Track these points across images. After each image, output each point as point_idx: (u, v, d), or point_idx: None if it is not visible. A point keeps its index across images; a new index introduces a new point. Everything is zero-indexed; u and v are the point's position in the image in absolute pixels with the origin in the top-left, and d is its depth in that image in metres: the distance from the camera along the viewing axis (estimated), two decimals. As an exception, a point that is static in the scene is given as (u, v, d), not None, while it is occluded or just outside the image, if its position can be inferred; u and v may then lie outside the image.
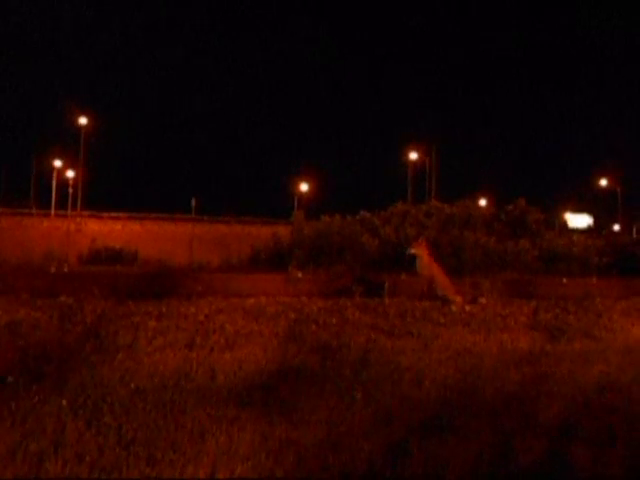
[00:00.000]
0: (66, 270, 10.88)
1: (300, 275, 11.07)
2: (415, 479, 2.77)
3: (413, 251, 9.63)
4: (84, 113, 42.08)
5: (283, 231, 16.98)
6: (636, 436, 3.36)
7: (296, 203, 44.43)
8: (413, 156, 44.00)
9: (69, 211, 39.49)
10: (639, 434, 3.40)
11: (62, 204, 41.80)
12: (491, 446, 3.13)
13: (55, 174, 43.52)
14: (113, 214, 40.31)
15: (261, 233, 22.28)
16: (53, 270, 10.22)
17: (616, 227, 44.55)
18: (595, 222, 51.68)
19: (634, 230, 33.04)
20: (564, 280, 12.34)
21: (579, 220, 52.24)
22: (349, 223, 15.63)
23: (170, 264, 14.97)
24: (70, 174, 43.95)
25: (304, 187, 48.52)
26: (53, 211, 41.06)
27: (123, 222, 39.56)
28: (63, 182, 43.50)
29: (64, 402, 3.56)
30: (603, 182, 51.76)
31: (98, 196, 42.42)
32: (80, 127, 41.74)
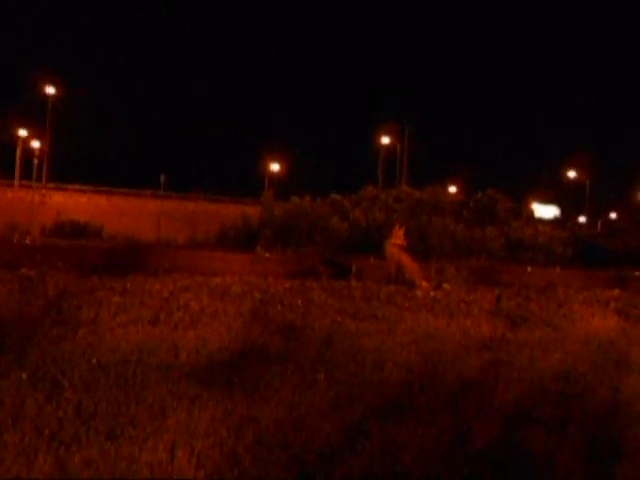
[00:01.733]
0: (29, 242, 10.67)
1: (267, 255, 11.07)
2: (373, 459, 2.80)
3: (397, 231, 9.74)
4: (52, 82, 40.95)
5: (252, 211, 16.92)
6: (589, 422, 3.46)
7: (266, 183, 44.26)
8: (385, 140, 44.11)
9: (34, 182, 38.57)
10: (592, 420, 3.50)
11: (27, 175, 40.79)
12: (449, 429, 3.19)
13: (20, 144, 42.32)
14: (79, 187, 39.53)
15: (230, 212, 22.15)
16: (15, 242, 10.00)
17: (582, 219, 45.40)
18: (562, 213, 52.56)
19: (599, 223, 33.75)
20: (528, 269, 12.57)
21: (546, 211, 53.06)
22: (319, 205, 15.65)
23: (136, 240, 14.83)
24: (36, 144, 42.84)
25: (275, 167, 48.30)
26: (17, 182, 40.05)
27: (89, 196, 38.88)
28: (28, 152, 42.37)
29: (24, 375, 3.52)
30: (572, 174, 52.62)
31: (64, 168, 41.49)
32: (47, 96, 40.65)
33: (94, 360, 3.94)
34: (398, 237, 9.69)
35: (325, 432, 3.05)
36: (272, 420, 3.17)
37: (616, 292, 10.12)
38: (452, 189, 37.10)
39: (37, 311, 5.35)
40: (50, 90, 40.74)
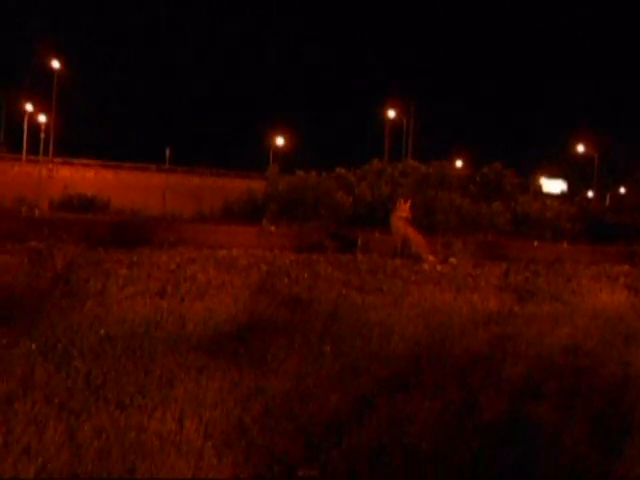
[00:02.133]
0: (37, 215, 10.70)
1: (273, 229, 11.05)
2: (380, 431, 2.81)
3: (402, 204, 9.67)
4: (57, 56, 40.67)
5: (257, 185, 16.87)
6: (598, 396, 3.46)
7: (271, 157, 44.06)
8: (391, 114, 43.68)
9: (41, 157, 38.58)
10: (600, 394, 3.49)
11: (34, 149, 40.78)
12: (456, 402, 3.20)
13: (26, 118, 42.23)
14: (85, 161, 39.54)
15: (235, 186, 22.12)
16: (24, 215, 10.03)
17: (590, 194, 45.03)
18: (569, 188, 52.07)
19: (607, 198, 33.40)
20: (535, 243, 12.50)
21: (554, 185, 52.65)
22: (324, 179, 15.56)
23: (143, 214, 14.85)
24: (42, 119, 42.71)
25: (280, 141, 48.02)
26: (24, 156, 40.08)
27: (96, 170, 38.88)
28: (35, 126, 42.30)
29: (33, 346, 3.55)
30: (580, 148, 51.97)
31: (71, 142, 41.48)
32: (53, 71, 40.39)
33: (102, 331, 3.96)
34: (403, 210, 9.62)
35: (332, 404, 3.07)
36: (279, 391, 3.18)
37: (625, 267, 10.03)
38: (458, 163, 36.89)
39: (46, 283, 5.36)
40: (55, 64, 40.47)
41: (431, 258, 9.19)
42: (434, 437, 2.80)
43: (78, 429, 2.58)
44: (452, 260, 9.38)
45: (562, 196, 38.05)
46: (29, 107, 42.94)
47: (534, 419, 3.09)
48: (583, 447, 2.82)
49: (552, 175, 55.21)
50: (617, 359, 4.29)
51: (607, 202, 30.00)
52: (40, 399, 2.84)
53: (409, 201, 9.91)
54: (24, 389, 2.94)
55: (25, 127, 41.66)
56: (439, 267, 8.55)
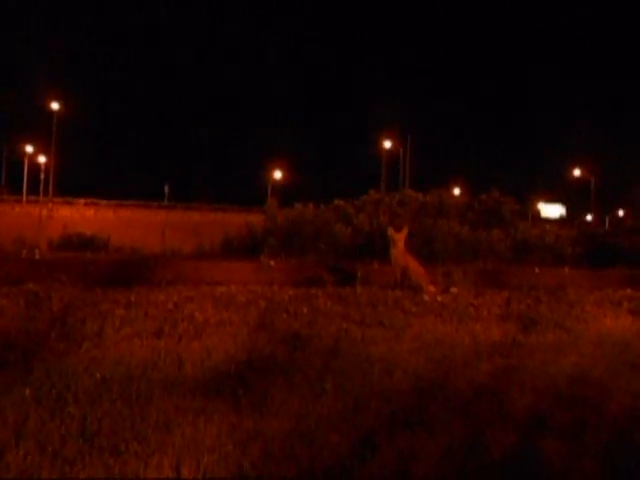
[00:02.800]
0: (37, 257, 10.68)
1: (272, 263, 11.01)
2: (383, 472, 2.74)
3: (393, 234, 9.54)
4: (56, 98, 41.35)
5: (256, 219, 16.90)
6: (606, 428, 3.37)
7: (269, 191, 44.39)
8: (387, 145, 44.12)
9: (41, 197, 38.92)
10: (610, 426, 3.41)
11: (34, 190, 41.17)
12: (461, 438, 3.12)
13: (27, 159, 42.76)
14: (85, 200, 39.84)
15: (234, 221, 22.18)
16: (24, 256, 10.01)
17: (589, 217, 45.11)
18: (568, 212, 52.23)
19: (607, 221, 33.40)
20: (536, 270, 12.43)
21: (552, 210, 52.85)
22: (322, 211, 15.60)
23: (142, 251, 14.81)
24: (42, 159, 43.23)
25: (277, 175, 48.42)
26: (25, 197, 40.41)
27: (95, 208, 39.16)
28: (35, 168, 42.81)
29: (28, 391, 3.49)
30: (577, 172, 52.27)
31: (70, 182, 41.95)
32: (52, 112, 41.01)
33: (98, 375, 3.90)
34: (399, 239, 9.51)
35: (333, 444, 3.00)
36: (279, 433, 3.11)
37: (628, 291, 9.93)
38: (456, 191, 37.03)
39: (42, 325, 5.31)
40: (54, 106, 41.11)
41: (431, 288, 9.12)
42: (440, 473, 2.74)
43: (72, 478, 2.50)
44: (453, 290, 9.30)
45: (561, 220, 38.15)
46: (29, 148, 43.49)
47: (541, 453, 3.01)
48: None
49: (550, 200, 55.46)
50: (625, 388, 4.19)
51: (607, 225, 30.02)
52: (33, 448, 2.77)
53: (405, 227, 9.83)
54: (17, 438, 2.87)
55: (25, 168, 42.11)
56: (440, 297, 8.47)
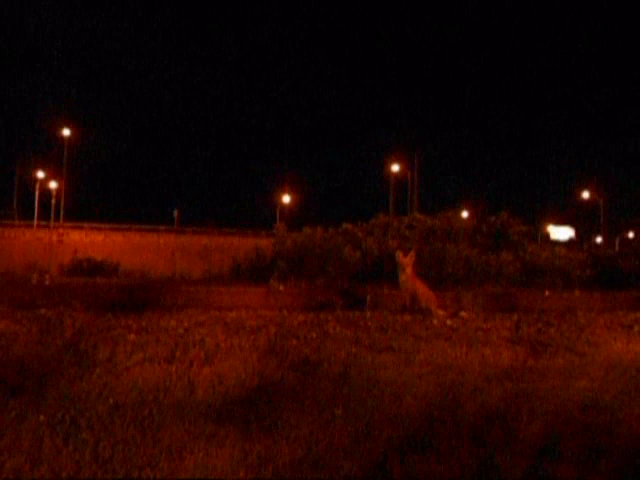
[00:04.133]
0: (48, 282, 10.79)
1: (282, 288, 11.05)
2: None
3: (401, 258, 9.56)
4: (67, 124, 41.98)
5: (265, 243, 16.99)
6: (618, 453, 3.35)
7: (278, 214, 44.61)
8: (395, 168, 44.30)
9: (52, 222, 39.25)
10: (623, 453, 3.38)
11: (45, 215, 41.56)
12: (471, 464, 3.12)
13: (38, 185, 43.28)
14: (95, 225, 40.15)
15: (243, 244, 22.31)
16: (34, 282, 10.13)
17: (598, 240, 44.82)
18: (577, 234, 51.96)
19: (617, 243, 33.18)
20: (546, 293, 12.39)
21: (561, 232, 52.62)
22: (331, 235, 15.64)
23: (152, 275, 14.93)
24: (53, 185, 43.72)
25: (286, 199, 48.66)
26: (36, 222, 40.80)
27: (105, 233, 39.44)
28: (46, 193, 43.28)
29: (42, 417, 3.52)
30: (585, 194, 52.09)
31: (81, 208, 42.39)
32: (63, 138, 41.61)
33: (111, 400, 3.93)
34: (407, 263, 9.53)
35: (345, 470, 3.00)
36: (290, 459, 3.12)
37: (639, 314, 9.88)
38: (464, 214, 37.04)
39: (55, 351, 5.36)
40: (65, 132, 41.72)
41: (441, 312, 9.12)
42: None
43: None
44: (462, 314, 9.28)
45: (570, 243, 37.96)
46: (40, 174, 44.02)
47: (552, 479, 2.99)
48: None
49: (559, 222, 55.24)
50: (637, 414, 4.14)
51: (617, 247, 29.80)
52: (47, 474, 2.81)
53: (413, 251, 9.86)
54: (31, 464, 2.91)
55: (37, 194, 42.57)
56: (449, 322, 8.46)
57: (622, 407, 4.29)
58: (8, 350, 5.32)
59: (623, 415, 4.10)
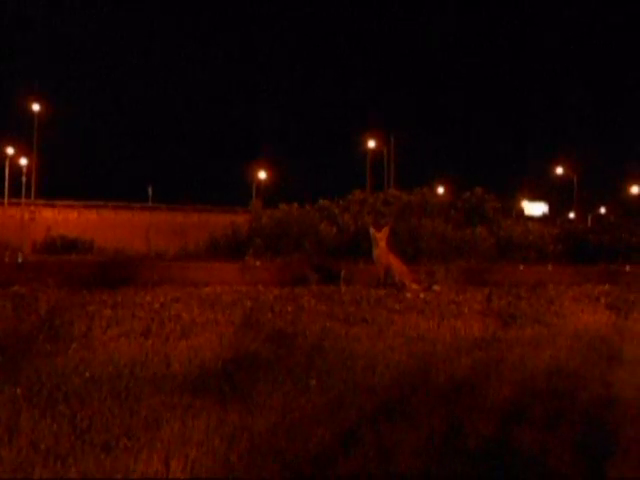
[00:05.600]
0: (20, 260, 10.68)
1: (257, 264, 11.09)
2: (367, 462, 2.84)
3: (375, 233, 9.68)
4: (37, 99, 41.05)
5: (241, 219, 16.97)
6: (581, 419, 3.49)
7: (254, 191, 44.40)
8: (371, 144, 44.27)
9: (23, 200, 38.55)
10: (584, 417, 3.53)
11: (16, 193, 40.79)
12: (441, 429, 3.23)
13: (8, 162, 42.37)
14: (68, 202, 39.52)
15: (219, 221, 22.19)
16: (7, 260, 10.03)
17: (571, 215, 45.37)
18: (550, 210, 52.56)
19: (589, 218, 33.65)
20: (521, 267, 12.63)
21: (535, 208, 53.19)
22: (307, 211, 15.70)
23: (127, 253, 14.83)
24: (23, 162, 42.85)
25: (262, 175, 48.43)
26: (6, 200, 40.02)
27: (78, 210, 38.88)
28: (16, 170, 42.43)
29: (19, 391, 3.56)
30: (559, 170, 52.62)
31: (53, 184, 41.69)
32: (33, 113, 40.72)
33: (87, 374, 3.97)
34: (380, 238, 9.64)
35: (318, 437, 3.09)
36: (265, 428, 3.20)
37: (606, 287, 10.15)
38: (440, 190, 37.26)
39: (30, 327, 5.37)
40: (35, 107, 40.83)
41: (414, 286, 9.27)
42: (420, 465, 2.83)
43: (65, 474, 2.59)
44: (435, 287, 9.46)
45: (544, 218, 38.43)
46: (10, 151, 43.09)
47: (519, 444, 3.12)
48: (568, 470, 2.86)
49: (533, 198, 55.83)
50: (600, 380, 4.33)
51: (589, 223, 30.25)
52: (26, 445, 2.85)
53: (387, 226, 9.98)
54: (10, 435, 2.95)
55: (7, 171, 41.72)
56: (422, 295, 8.61)
57: (585, 374, 4.47)
58: (-20, 327, 5.30)
59: (585, 381, 4.28)
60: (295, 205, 15.93)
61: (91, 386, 3.74)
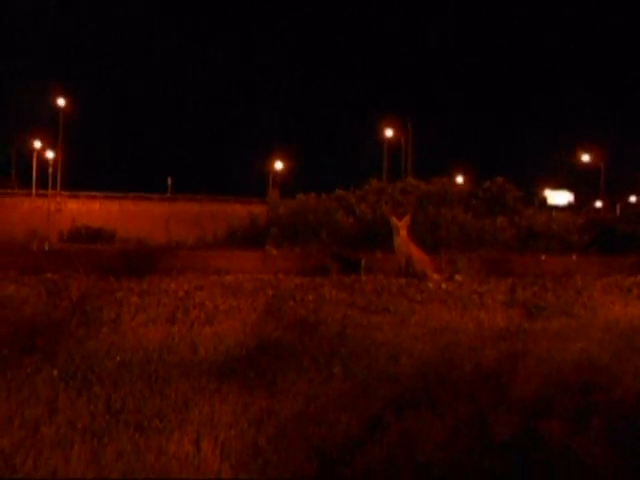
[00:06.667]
0: (47, 248, 10.91)
1: (275, 252, 11.15)
2: (392, 449, 2.86)
3: (396, 222, 9.63)
4: (62, 94, 41.85)
5: (258, 209, 17.08)
6: (613, 413, 3.39)
7: (271, 181, 44.40)
8: (388, 133, 43.86)
9: (49, 191, 39.31)
10: (617, 411, 3.43)
11: (43, 184, 41.58)
12: (467, 420, 3.22)
13: (35, 155, 43.22)
14: (91, 194, 40.09)
15: (236, 211, 22.35)
16: (34, 248, 10.26)
17: (598, 204, 44.23)
18: (576, 199, 51.29)
19: (617, 207, 32.72)
20: (543, 257, 12.38)
21: (559, 197, 51.88)
22: (324, 201, 15.70)
23: (148, 243, 14.99)
24: (50, 155, 43.70)
25: (279, 165, 48.41)
26: (34, 191, 40.82)
27: (101, 201, 39.40)
28: (43, 162, 43.29)
29: (55, 372, 3.71)
30: (585, 158, 51.03)
31: (78, 176, 42.19)
32: (59, 108, 41.50)
33: (118, 358, 4.10)
34: (402, 227, 9.60)
35: (343, 424, 3.13)
36: (290, 412, 3.26)
37: (638, 278, 9.59)
38: (459, 179, 36.77)
39: (62, 313, 5.54)
40: (61, 102, 41.63)
41: (436, 276, 9.22)
42: (445, 455, 2.84)
43: (101, 451, 2.69)
44: (457, 277, 9.37)
45: (569, 207, 37.75)
46: (37, 144, 43.92)
47: (547, 437, 3.06)
48: (599, 467, 2.79)
49: (557, 187, 54.57)
50: (633, 374, 4.15)
51: (617, 212, 29.42)
52: (64, 423, 2.97)
53: (408, 215, 9.94)
54: (49, 414, 3.09)
55: (34, 163, 42.56)
56: (444, 285, 8.57)
57: (618, 367, 4.29)
58: (19, 312, 5.50)
59: (619, 374, 4.11)
60: (312, 195, 15.95)
61: (122, 369, 3.86)
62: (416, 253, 9.61)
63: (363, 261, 10.08)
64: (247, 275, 8.94)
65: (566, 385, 3.88)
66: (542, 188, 50.22)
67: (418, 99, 78.69)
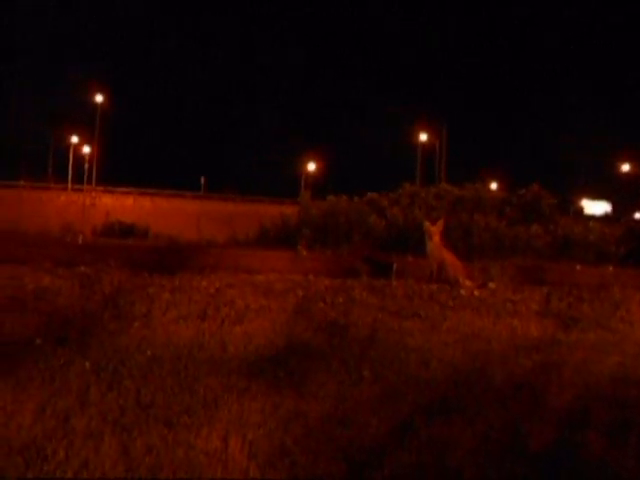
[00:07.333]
0: (81, 242, 11.09)
1: (305, 253, 11.14)
2: (421, 455, 2.83)
3: (429, 226, 9.53)
4: (100, 91, 42.74)
5: (289, 210, 17.08)
6: None
7: (303, 183, 44.59)
8: (422, 137, 43.63)
9: (85, 186, 40.11)
10: None
11: (79, 179, 42.48)
12: (498, 429, 3.16)
13: (72, 150, 44.19)
14: (125, 189, 40.82)
15: (267, 212, 22.49)
16: (68, 241, 10.43)
17: (638, 215, 43.29)
18: (614, 209, 50.28)
19: (660, 219, 31.85)
20: (577, 267, 12.17)
21: (597, 207, 50.89)
22: (356, 204, 15.64)
23: (179, 240, 15.16)
24: (86, 150, 44.62)
25: (311, 167, 48.60)
26: (70, 186, 41.74)
27: (134, 197, 40.12)
28: (79, 157, 44.23)
29: (87, 365, 3.75)
30: (625, 167, 49.91)
31: (113, 172, 42.96)
32: (96, 104, 42.40)
33: (149, 353, 4.12)
34: (434, 232, 9.50)
35: (372, 427, 3.10)
36: (319, 414, 3.24)
37: (680, 293, 9.48)
38: (493, 186, 36.36)
39: (95, 306, 5.58)
40: (98, 98, 42.52)
41: (468, 283, 9.08)
42: (476, 462, 2.79)
43: (131, 445, 2.71)
44: (490, 285, 9.20)
45: (606, 218, 36.97)
46: (74, 139, 44.88)
47: (582, 450, 3.00)
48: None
49: (595, 197, 53.57)
50: None
51: (660, 223, 28.65)
52: (95, 415, 3.00)
53: (441, 219, 9.82)
54: (80, 405, 3.12)
55: (71, 158, 43.49)
56: (477, 292, 8.44)
57: None
58: (53, 303, 5.57)
59: None
60: (343, 197, 15.92)
61: (153, 364, 3.87)
62: (449, 259, 9.48)
63: (395, 265, 9.98)
64: (278, 275, 8.92)
65: (602, 398, 3.80)
66: (579, 197, 49.33)
67: (454, 103, 78.06)
